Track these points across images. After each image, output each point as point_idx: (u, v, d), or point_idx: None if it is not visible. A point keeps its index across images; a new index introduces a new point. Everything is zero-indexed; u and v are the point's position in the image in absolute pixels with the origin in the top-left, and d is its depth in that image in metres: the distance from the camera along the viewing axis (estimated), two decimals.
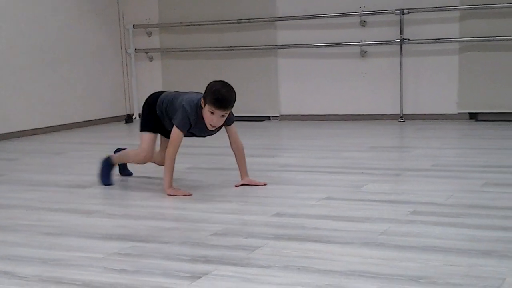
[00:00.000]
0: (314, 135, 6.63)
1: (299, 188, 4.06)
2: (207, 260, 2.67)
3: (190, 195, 3.88)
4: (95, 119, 8.20)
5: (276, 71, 7.97)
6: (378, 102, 7.54)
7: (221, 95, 3.76)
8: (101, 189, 4.25)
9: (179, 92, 4.16)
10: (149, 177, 4.56)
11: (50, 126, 7.56)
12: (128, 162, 4.48)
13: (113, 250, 2.85)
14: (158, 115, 4.08)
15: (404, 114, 7.38)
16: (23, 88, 7.23)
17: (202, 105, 3.82)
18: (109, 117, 8.41)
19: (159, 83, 8.57)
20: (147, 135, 4.13)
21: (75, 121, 7.91)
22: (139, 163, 4.30)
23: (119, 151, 4.55)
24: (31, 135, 7.27)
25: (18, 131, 7.16)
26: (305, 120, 7.85)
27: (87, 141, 6.79)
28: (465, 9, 7.02)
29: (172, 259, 2.70)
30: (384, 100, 7.50)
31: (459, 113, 7.23)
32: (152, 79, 8.63)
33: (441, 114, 7.30)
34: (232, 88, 3.83)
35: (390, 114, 7.48)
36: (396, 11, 7.20)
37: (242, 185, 4.12)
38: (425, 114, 7.37)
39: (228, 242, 2.92)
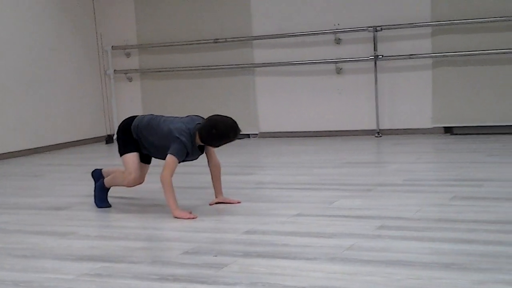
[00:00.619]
0: (291, 152, 6.70)
1: (272, 205, 4.13)
2: (175, 279, 2.73)
3: (196, 217, 3.83)
4: (75, 141, 8.25)
5: (254, 89, 8.06)
6: (354, 118, 7.64)
7: (235, 131, 3.84)
8: (77, 211, 4.29)
9: (153, 115, 4.17)
10: (126, 197, 4.61)
11: (30, 149, 7.60)
12: (118, 186, 4.32)
13: (84, 271, 2.90)
14: (135, 139, 4.09)
15: (381, 129, 7.48)
16: (2, 110, 7.27)
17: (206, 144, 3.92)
18: (89, 138, 8.46)
19: (139, 103, 8.64)
20: (130, 156, 4.08)
21: (55, 143, 7.95)
22: (130, 186, 4.17)
23: (96, 171, 4.59)
24: (11, 157, 7.30)
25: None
26: (284, 137, 7.93)
27: (67, 163, 6.83)
28: (436, 25, 7.14)
29: (141, 279, 2.75)
30: (361, 116, 7.60)
31: (434, 127, 7.33)
32: (131, 99, 8.69)
33: (417, 129, 7.40)
34: (223, 117, 3.90)
35: (367, 130, 7.57)
36: (369, 28, 7.31)
37: (216, 203, 4.18)
38: (401, 129, 7.47)
39: (198, 261, 2.98)
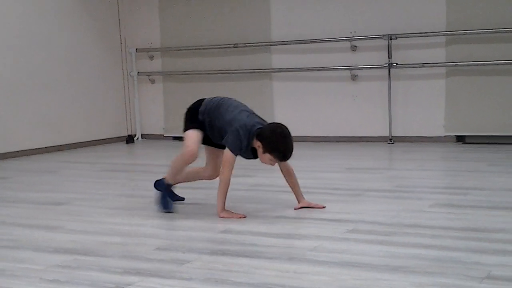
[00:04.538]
0: (300, 156, 6.71)
1: (258, 206, 4.26)
2: (137, 272, 2.89)
3: (245, 217, 3.90)
4: (97, 139, 8.48)
5: (271, 93, 8.19)
6: (368, 124, 7.71)
7: (289, 151, 3.87)
8: (74, 206, 4.48)
9: (223, 99, 4.15)
10: (134, 196, 4.80)
11: (53, 146, 7.85)
12: (180, 171, 4.19)
13: (56, 262, 3.08)
14: (201, 121, 4.06)
15: (394, 137, 7.54)
16: (27, 108, 7.54)
17: (259, 148, 3.87)
18: (111, 138, 8.68)
19: (161, 104, 8.85)
20: (191, 132, 4.04)
21: (77, 141, 8.19)
22: (189, 163, 4.07)
23: (158, 183, 4.37)
24: (33, 154, 7.56)
25: (21, 151, 7.45)
26: (299, 141, 7.95)
27: (83, 160, 7.05)
28: (451, 34, 7.18)
29: (106, 271, 2.92)
30: (374, 122, 7.67)
31: (446, 136, 7.37)
32: (154, 100, 8.91)
33: (429, 137, 7.44)
34: (291, 136, 3.92)
35: (380, 137, 7.64)
36: (384, 37, 7.39)
37: (301, 207, 4.14)
38: (413, 137, 7.51)
39: (165, 256, 3.13)
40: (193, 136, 4.03)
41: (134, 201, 4.64)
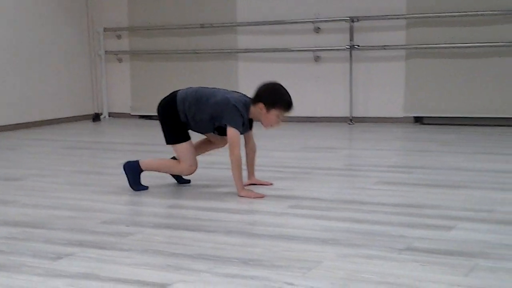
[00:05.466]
0: (261, 135, 6.87)
1: (210, 183, 4.40)
2: (80, 243, 3.02)
3: (263, 197, 3.91)
4: (64, 117, 8.56)
5: (236, 74, 8.32)
6: (330, 105, 7.87)
7: (291, 98, 3.96)
8: (31, 182, 4.59)
9: (197, 91, 4.04)
10: (90, 172, 4.91)
11: (19, 124, 7.92)
12: (169, 173, 4.28)
13: (3, 234, 3.20)
14: (183, 122, 4.02)
15: (354, 117, 7.70)
16: None
17: (262, 110, 3.92)
18: (78, 116, 8.76)
19: (128, 83, 8.95)
20: (184, 146, 4.04)
21: (44, 119, 8.27)
22: (185, 174, 4.22)
23: (129, 163, 4.31)
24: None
25: None
26: None
27: (47, 138, 7.14)
28: (411, 17, 7.34)
29: (50, 243, 3.05)
30: (336, 103, 7.83)
31: (404, 117, 7.54)
32: (121, 79, 9.00)
33: (389, 118, 7.62)
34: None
35: (341, 117, 7.80)
36: (346, 19, 7.53)
37: (249, 184, 4.24)
38: (373, 117, 7.68)
39: (110, 229, 3.26)
40: (187, 151, 4.05)
41: (91, 177, 4.75)
